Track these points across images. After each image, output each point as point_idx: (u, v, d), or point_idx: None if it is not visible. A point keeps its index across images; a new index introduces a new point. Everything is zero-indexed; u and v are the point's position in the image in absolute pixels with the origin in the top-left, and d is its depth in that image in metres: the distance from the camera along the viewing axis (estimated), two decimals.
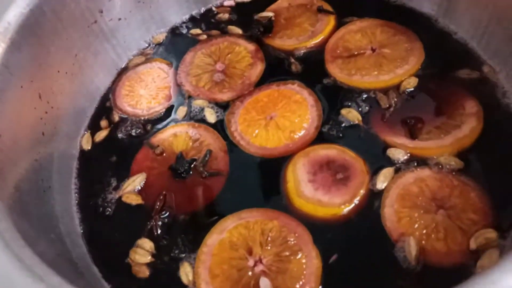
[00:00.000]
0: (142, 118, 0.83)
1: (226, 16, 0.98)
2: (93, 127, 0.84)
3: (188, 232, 0.67)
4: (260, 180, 0.71)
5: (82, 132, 0.84)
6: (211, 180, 0.70)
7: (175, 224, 0.68)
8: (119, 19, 0.90)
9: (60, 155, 0.76)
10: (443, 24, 0.87)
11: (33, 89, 0.72)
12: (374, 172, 0.68)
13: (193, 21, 0.99)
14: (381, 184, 0.66)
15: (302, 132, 0.73)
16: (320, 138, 0.73)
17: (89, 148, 0.81)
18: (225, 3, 1.00)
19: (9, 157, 0.63)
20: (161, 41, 0.96)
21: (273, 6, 0.97)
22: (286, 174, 0.68)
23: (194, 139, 0.76)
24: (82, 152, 0.81)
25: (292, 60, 0.86)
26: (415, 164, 0.68)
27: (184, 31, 0.97)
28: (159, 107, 0.84)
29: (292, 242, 0.62)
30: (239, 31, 0.94)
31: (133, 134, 0.81)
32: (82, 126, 0.84)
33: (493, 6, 0.77)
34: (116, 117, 0.84)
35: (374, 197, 0.65)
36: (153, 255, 0.65)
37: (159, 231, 0.67)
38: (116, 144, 0.80)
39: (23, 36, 0.69)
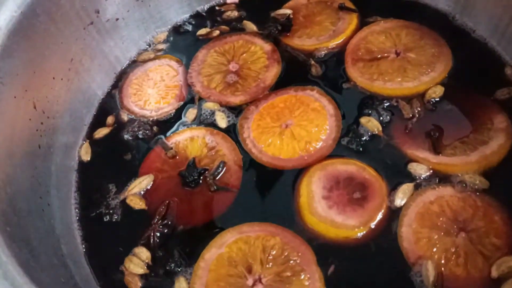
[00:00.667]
0: (151, 119, 0.80)
1: (235, 13, 0.93)
2: (92, 137, 0.80)
3: (186, 244, 0.64)
4: (272, 192, 0.68)
5: (80, 142, 0.80)
6: (219, 194, 0.68)
7: (174, 235, 0.66)
8: (117, 19, 0.86)
9: (58, 169, 0.73)
10: (461, 21, 0.82)
11: (27, 98, 0.68)
12: (393, 188, 0.65)
13: (197, 19, 0.95)
14: (399, 200, 0.63)
15: (319, 144, 0.70)
16: (338, 151, 0.69)
17: (88, 159, 0.77)
18: (228, 1, 0.95)
19: (5, 175, 0.60)
20: (162, 40, 0.92)
21: (291, 3, 0.92)
22: (300, 187, 0.66)
23: (210, 146, 0.73)
24: (81, 163, 0.77)
25: (312, 62, 0.81)
26: (437, 181, 0.65)
27: (189, 28, 0.93)
28: (168, 108, 0.81)
29: (295, 262, 0.59)
30: (253, 27, 0.90)
31: (140, 136, 0.78)
32: (80, 136, 0.80)
33: None
34: (125, 117, 0.81)
35: (391, 215, 0.62)
36: (148, 266, 0.63)
37: (157, 241, 0.65)
38: (121, 147, 0.78)
39: (15, 41, 0.65)
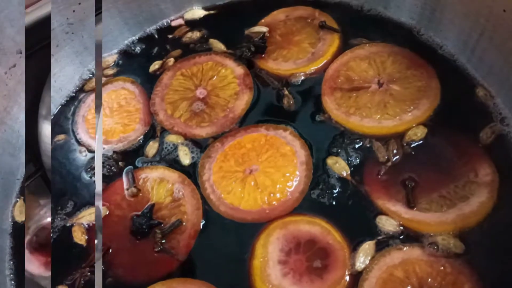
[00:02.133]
0: (115, 151, 0.74)
1: (196, 34, 0.85)
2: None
3: None
4: (226, 250, 0.62)
5: (13, 200, 0.72)
6: (164, 256, 0.62)
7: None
8: None
9: None
10: (427, 36, 0.76)
11: None
12: (355, 247, 0.59)
13: (147, 41, 0.87)
14: (360, 264, 0.58)
15: (284, 196, 0.63)
16: (306, 204, 0.63)
17: (23, 219, 0.69)
18: (173, 23, 0.88)
19: None
20: (111, 64, 0.85)
21: (267, 19, 0.84)
22: (256, 247, 0.61)
23: (175, 197, 0.67)
24: (15, 225, 0.69)
25: (286, 92, 0.74)
26: (406, 240, 0.59)
27: (140, 49, 0.86)
28: (134, 135, 0.75)
29: None
30: (221, 46, 0.82)
31: (105, 173, 0.72)
32: (12, 193, 0.72)
33: (485, 20, 0.66)
34: (81, 156, 0.75)
35: (351, 280, 0.57)
36: None
37: (82, 286, 0.61)
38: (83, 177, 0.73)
39: None
